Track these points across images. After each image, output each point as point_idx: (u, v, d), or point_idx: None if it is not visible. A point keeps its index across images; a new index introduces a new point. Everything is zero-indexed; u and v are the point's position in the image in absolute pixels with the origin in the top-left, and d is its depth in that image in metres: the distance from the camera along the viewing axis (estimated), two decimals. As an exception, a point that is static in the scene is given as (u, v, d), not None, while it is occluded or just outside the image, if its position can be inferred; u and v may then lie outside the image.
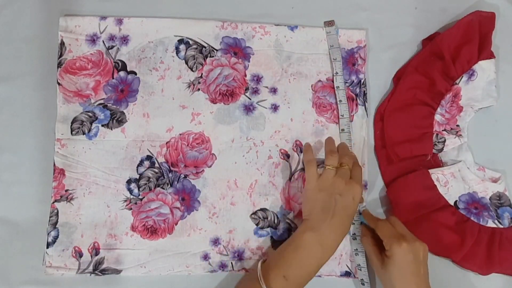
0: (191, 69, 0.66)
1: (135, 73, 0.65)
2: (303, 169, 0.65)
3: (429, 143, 0.65)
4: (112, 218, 0.63)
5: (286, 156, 0.65)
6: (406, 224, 0.63)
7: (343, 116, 0.65)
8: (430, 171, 0.64)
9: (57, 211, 0.62)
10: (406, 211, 0.63)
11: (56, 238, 0.62)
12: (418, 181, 0.64)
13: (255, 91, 0.66)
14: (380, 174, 0.66)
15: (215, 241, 0.63)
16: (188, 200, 0.64)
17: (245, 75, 0.66)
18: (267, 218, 0.64)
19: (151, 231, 0.63)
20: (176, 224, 0.63)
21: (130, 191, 0.63)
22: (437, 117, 0.66)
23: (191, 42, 0.66)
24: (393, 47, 0.68)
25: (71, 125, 0.64)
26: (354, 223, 0.63)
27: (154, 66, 0.65)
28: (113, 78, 0.65)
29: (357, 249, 0.63)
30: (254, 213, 0.64)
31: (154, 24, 0.66)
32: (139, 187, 0.63)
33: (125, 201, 0.63)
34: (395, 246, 0.55)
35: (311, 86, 0.66)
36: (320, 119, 0.66)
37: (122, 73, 0.65)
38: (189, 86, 0.65)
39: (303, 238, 0.55)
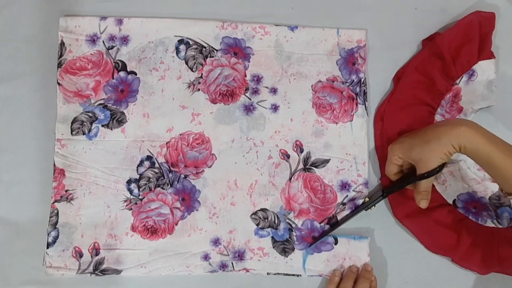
0: (191, 69, 0.66)
1: (135, 73, 0.65)
2: (303, 169, 0.65)
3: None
4: (112, 218, 0.63)
5: (286, 156, 0.65)
6: (404, 220, 0.64)
7: None
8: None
9: (57, 211, 0.62)
10: (402, 203, 0.63)
11: (56, 238, 0.62)
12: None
13: (255, 91, 0.66)
14: (380, 173, 0.66)
15: (216, 241, 0.63)
16: (188, 200, 0.64)
17: (245, 75, 0.66)
18: (267, 218, 0.64)
19: (151, 231, 0.63)
20: (176, 224, 0.63)
21: (130, 191, 0.63)
22: (437, 117, 0.66)
23: (191, 42, 0.66)
24: (393, 47, 0.68)
25: (71, 125, 0.64)
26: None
27: (154, 66, 0.65)
28: (113, 78, 0.65)
29: None
30: (255, 213, 0.64)
31: (154, 24, 0.66)
32: (139, 187, 0.63)
33: (125, 201, 0.63)
34: None
35: (311, 86, 0.66)
36: (320, 119, 0.66)
37: (122, 73, 0.65)
38: (189, 86, 0.65)
39: None
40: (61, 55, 0.64)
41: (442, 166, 0.55)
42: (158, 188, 0.63)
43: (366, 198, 0.63)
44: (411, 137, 0.58)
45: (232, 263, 0.63)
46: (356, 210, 0.63)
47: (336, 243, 0.64)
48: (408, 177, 0.60)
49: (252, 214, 0.64)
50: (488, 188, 0.65)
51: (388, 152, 0.60)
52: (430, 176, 0.56)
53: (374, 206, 0.63)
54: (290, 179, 0.65)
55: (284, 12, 0.68)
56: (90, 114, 0.64)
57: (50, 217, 0.62)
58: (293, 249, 0.64)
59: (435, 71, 0.65)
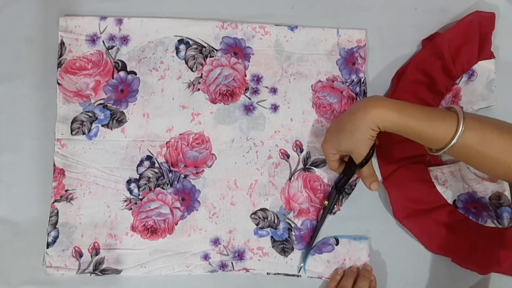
0: (191, 69, 0.66)
1: (135, 73, 0.65)
2: (303, 169, 0.65)
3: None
4: (112, 218, 0.63)
5: (286, 156, 0.65)
6: (404, 220, 0.64)
7: None
8: (429, 168, 0.64)
9: (57, 211, 0.62)
10: (402, 204, 0.63)
11: (56, 238, 0.62)
12: (414, 173, 0.64)
13: (255, 91, 0.66)
14: (379, 172, 0.66)
15: (215, 241, 0.63)
16: (188, 200, 0.64)
17: (245, 75, 0.66)
18: (267, 218, 0.64)
19: (151, 231, 0.63)
20: (176, 224, 0.63)
21: (130, 191, 0.63)
22: (437, 117, 0.66)
23: (191, 42, 0.66)
24: (393, 47, 0.68)
25: (71, 125, 0.64)
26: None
27: (154, 66, 0.65)
28: (113, 78, 0.65)
29: None
30: (254, 213, 0.64)
31: (154, 24, 0.66)
32: (139, 187, 0.63)
33: (125, 201, 0.63)
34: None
35: (311, 86, 0.66)
36: (320, 119, 0.66)
37: (122, 73, 0.65)
38: (189, 86, 0.65)
39: None
40: (61, 55, 0.64)
41: (373, 147, 0.56)
42: (158, 188, 0.63)
43: (325, 202, 0.64)
44: (334, 132, 0.58)
45: (232, 263, 0.63)
46: (322, 217, 0.64)
47: (337, 243, 0.64)
48: (350, 166, 0.60)
49: (252, 214, 0.64)
50: (488, 188, 0.65)
51: (323, 152, 0.60)
52: (367, 161, 0.57)
53: (336, 205, 0.64)
54: (290, 179, 0.65)
55: (284, 12, 0.68)
56: (90, 114, 0.64)
57: (50, 217, 0.62)
58: (292, 249, 0.64)
59: (435, 71, 0.65)
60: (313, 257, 0.64)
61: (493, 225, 0.63)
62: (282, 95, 0.66)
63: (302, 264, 0.63)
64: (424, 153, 0.65)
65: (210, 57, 0.66)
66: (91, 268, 0.62)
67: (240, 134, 0.65)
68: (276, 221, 0.64)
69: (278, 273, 0.63)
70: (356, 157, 0.57)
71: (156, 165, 0.64)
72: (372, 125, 0.52)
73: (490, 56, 0.66)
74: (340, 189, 0.62)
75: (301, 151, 0.65)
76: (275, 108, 0.66)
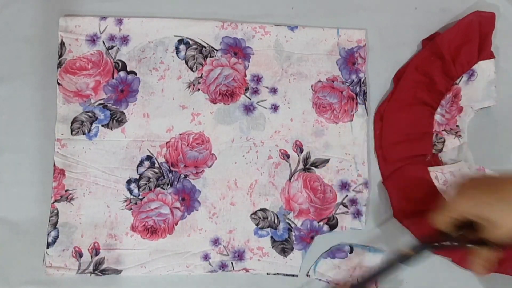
0: (191, 69, 0.66)
1: (135, 73, 0.65)
2: (303, 169, 0.65)
3: (429, 143, 0.65)
4: (112, 218, 0.63)
5: (286, 156, 0.65)
6: (404, 221, 0.63)
7: None
8: (429, 168, 0.64)
9: (57, 211, 0.62)
10: (402, 204, 0.63)
11: (56, 238, 0.62)
12: (414, 173, 0.64)
13: (255, 91, 0.66)
14: (380, 173, 0.66)
15: (215, 241, 0.63)
16: (188, 200, 0.64)
17: (245, 75, 0.66)
18: (267, 218, 0.64)
19: (151, 231, 0.63)
20: (176, 224, 0.63)
21: (130, 191, 0.63)
22: (437, 117, 0.66)
23: (191, 42, 0.66)
24: (393, 47, 0.68)
25: (71, 125, 0.64)
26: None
27: (154, 66, 0.65)
28: (113, 78, 0.65)
29: None
30: (254, 213, 0.64)
31: (154, 24, 0.66)
32: (139, 187, 0.63)
33: (125, 201, 0.63)
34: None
35: (311, 86, 0.66)
36: (320, 119, 0.66)
37: (122, 73, 0.65)
38: (189, 86, 0.65)
39: None
40: (61, 55, 0.64)
41: None
42: (158, 188, 0.64)
43: (411, 251, 0.53)
44: (482, 191, 0.46)
45: (232, 263, 0.63)
46: (393, 262, 0.54)
47: (351, 251, 0.64)
48: (463, 231, 0.47)
49: (252, 214, 0.64)
50: (488, 188, 0.65)
51: (448, 202, 0.49)
52: (500, 248, 0.45)
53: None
54: (290, 179, 0.65)
55: (284, 12, 0.68)
56: (90, 114, 0.64)
57: (50, 217, 0.62)
58: (292, 249, 0.63)
59: (435, 71, 0.65)
60: (325, 261, 0.63)
61: (493, 225, 0.63)
62: (282, 95, 0.66)
63: (313, 266, 0.63)
64: (424, 153, 0.65)
65: (210, 57, 0.66)
66: (91, 268, 0.62)
67: (240, 134, 0.65)
68: (276, 221, 0.64)
69: (278, 273, 0.63)
70: (489, 232, 0.44)
71: (156, 165, 0.64)
72: None
73: (490, 56, 0.66)
74: (437, 249, 0.51)
75: (301, 151, 0.65)
76: (275, 108, 0.66)
